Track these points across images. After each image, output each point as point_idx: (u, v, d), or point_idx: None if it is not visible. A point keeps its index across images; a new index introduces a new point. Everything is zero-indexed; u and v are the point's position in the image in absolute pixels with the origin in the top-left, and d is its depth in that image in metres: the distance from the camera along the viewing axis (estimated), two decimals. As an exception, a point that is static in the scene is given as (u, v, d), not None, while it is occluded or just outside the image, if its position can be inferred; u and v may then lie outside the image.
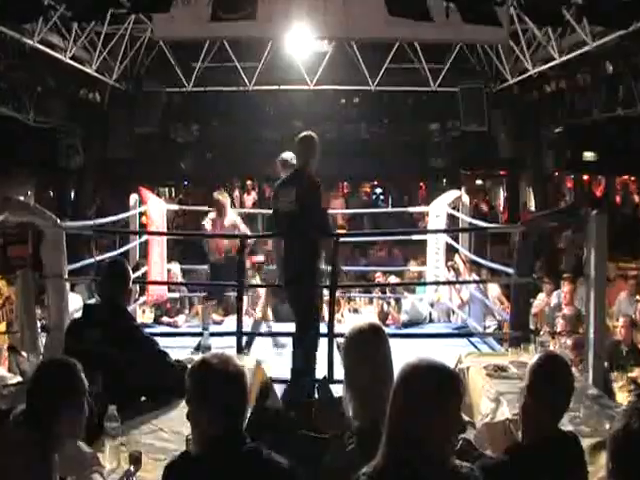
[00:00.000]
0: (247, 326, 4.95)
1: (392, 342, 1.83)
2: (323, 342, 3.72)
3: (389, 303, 6.04)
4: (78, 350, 2.15)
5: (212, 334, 3.53)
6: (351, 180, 13.74)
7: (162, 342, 2.51)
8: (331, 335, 3.66)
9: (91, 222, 5.30)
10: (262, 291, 5.04)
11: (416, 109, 11.19)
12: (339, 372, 1.89)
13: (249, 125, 11.86)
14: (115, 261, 2.68)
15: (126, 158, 10.26)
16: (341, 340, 2.04)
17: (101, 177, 10.94)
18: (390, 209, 11.76)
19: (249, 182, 11.98)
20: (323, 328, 3.87)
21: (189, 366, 1.64)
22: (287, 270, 3.62)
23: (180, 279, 6.10)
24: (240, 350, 3.64)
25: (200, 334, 3.42)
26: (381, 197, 13.91)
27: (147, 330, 2.52)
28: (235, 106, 11.25)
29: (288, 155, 4.10)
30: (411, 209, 7.59)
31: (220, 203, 4.84)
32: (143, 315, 5.86)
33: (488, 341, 4.78)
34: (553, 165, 10.09)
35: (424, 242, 6.15)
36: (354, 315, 6.44)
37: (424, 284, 6.17)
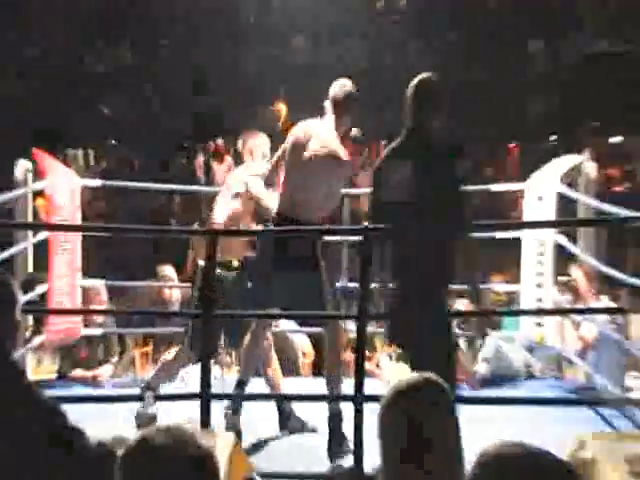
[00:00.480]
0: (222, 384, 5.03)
1: (462, 411, 1.85)
2: (346, 408, 3.79)
3: (456, 345, 6.06)
4: None
5: (159, 397, 3.56)
6: (390, 140, 13.81)
7: (73, 411, 2.54)
8: (359, 398, 3.70)
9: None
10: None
11: (504, 18, 11.25)
12: (373, 456, 1.92)
13: (219, 45, 11.98)
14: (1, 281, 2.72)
15: (6, 97, 10.40)
16: (377, 407, 2.06)
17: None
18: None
19: (219, 142, 12.08)
20: (346, 386, 3.93)
21: (119, 452, 1.67)
22: (398, 297, 3.74)
23: (105, 303, 6.17)
24: (206, 423, 3.69)
25: (139, 398, 3.44)
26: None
27: (48, 392, 2.55)
28: (195, 12, 11.42)
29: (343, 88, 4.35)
30: (495, 187, 7.60)
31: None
32: (39, 366, 5.93)
33: (631, 414, 4.80)
34: None
35: (516, 243, 6.18)
36: (397, 365, 6.48)
37: (517, 314, 6.18)
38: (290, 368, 6.25)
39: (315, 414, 4.64)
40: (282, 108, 13.74)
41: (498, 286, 6.98)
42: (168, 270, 6.82)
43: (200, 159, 11.60)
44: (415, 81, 3.93)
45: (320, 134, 4.30)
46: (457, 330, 6.02)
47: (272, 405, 4.56)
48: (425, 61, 12.52)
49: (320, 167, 4.20)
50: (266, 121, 13.55)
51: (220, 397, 4.10)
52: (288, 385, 5.37)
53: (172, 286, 6.70)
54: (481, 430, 3.31)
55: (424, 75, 3.93)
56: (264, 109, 13.46)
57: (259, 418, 4.63)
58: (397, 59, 12.58)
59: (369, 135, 13.49)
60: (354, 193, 7.89)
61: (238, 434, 3.89)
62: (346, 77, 4.52)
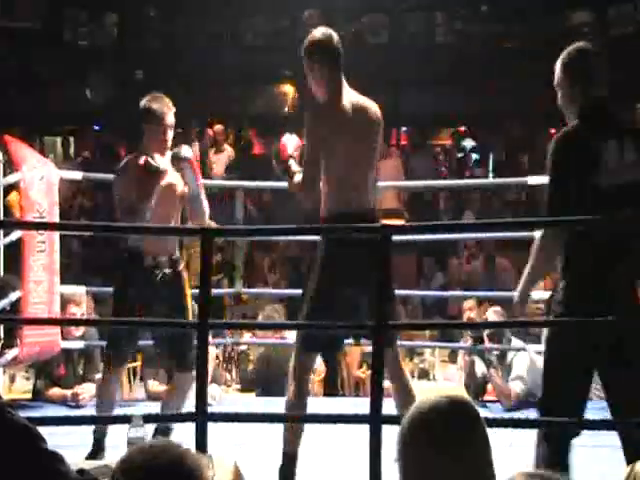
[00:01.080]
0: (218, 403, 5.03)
1: (494, 435, 1.85)
2: (361, 430, 3.79)
3: (489, 362, 6.07)
4: None
5: (148, 419, 3.56)
6: (415, 124, 13.82)
7: (51, 436, 2.55)
8: (378, 419, 3.71)
9: None
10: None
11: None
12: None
13: (216, 15, 11.99)
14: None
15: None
16: (396, 429, 2.06)
17: None
18: (492, 179, 11.78)
19: (218, 127, 12.08)
20: (362, 406, 3.95)
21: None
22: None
23: (87, 312, 6.19)
24: (202, 446, 3.71)
25: (125, 419, 3.45)
26: (474, 156, 13.92)
27: (22, 414, 2.55)
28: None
29: None
30: (533, 179, 7.57)
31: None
32: (12, 385, 5.95)
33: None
34: None
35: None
36: (422, 382, 6.48)
37: (559, 325, 6.17)
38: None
39: (326, 436, 4.65)
40: (289, 90, 13.73)
41: (537, 293, 6.95)
42: None
43: (195, 148, 11.60)
44: (576, 53, 3.82)
45: None
46: (488, 344, 6.02)
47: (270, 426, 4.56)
48: (452, 37, 12.56)
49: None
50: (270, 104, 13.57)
51: (218, 418, 4.10)
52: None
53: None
54: (516, 456, 3.31)
55: (582, 45, 3.84)
56: (268, 90, 13.47)
57: (257, 439, 4.65)
58: (419, 36, 12.60)
59: (385, 119, 13.56)
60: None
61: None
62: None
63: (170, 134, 4.76)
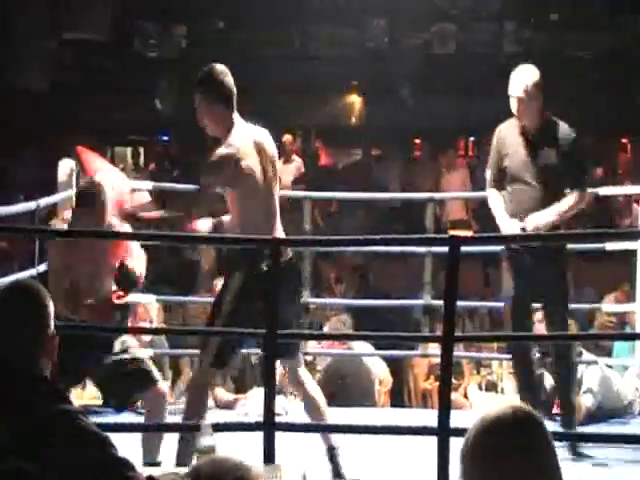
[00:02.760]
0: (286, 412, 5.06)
1: (561, 451, 1.83)
2: (428, 442, 3.78)
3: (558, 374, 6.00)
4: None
5: (217, 427, 3.59)
6: (482, 134, 13.71)
7: (122, 443, 2.59)
8: (445, 432, 3.70)
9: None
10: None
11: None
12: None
13: (283, 26, 12.06)
14: (20, 288, 2.76)
15: (47, 91, 10.63)
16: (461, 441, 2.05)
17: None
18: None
19: (287, 138, 12.12)
20: (429, 418, 3.95)
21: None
22: None
23: (156, 321, 6.27)
24: (270, 455, 3.72)
25: (194, 427, 3.49)
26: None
27: (94, 420, 2.59)
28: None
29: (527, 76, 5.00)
30: (604, 190, 7.49)
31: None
32: (84, 391, 6.02)
33: None
34: None
35: (630, 256, 6.11)
36: (489, 395, 6.43)
37: (632, 338, 6.10)
38: (364, 397, 6.26)
39: (393, 449, 4.64)
40: (355, 101, 13.72)
41: (607, 306, 6.87)
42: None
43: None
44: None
45: None
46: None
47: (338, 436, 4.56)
48: (521, 46, 12.46)
49: None
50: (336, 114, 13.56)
51: (286, 428, 4.12)
52: (361, 416, 5.38)
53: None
54: (584, 472, 3.27)
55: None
56: (335, 100, 13.49)
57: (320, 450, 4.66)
58: (488, 45, 12.53)
59: (453, 130, 13.54)
60: (439, 197, 7.84)
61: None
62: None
63: None
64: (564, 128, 5.05)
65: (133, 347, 4.65)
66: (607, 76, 11.65)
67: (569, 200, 4.94)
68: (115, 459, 2.49)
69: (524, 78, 5.01)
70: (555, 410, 5.89)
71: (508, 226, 4.90)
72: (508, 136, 5.05)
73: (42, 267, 5.39)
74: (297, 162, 11.86)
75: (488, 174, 5.14)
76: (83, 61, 12.09)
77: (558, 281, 5.10)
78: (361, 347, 6.43)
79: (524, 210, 4.90)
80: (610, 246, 6.17)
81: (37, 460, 2.37)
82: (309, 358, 6.97)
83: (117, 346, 4.54)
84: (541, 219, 4.86)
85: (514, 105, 5.00)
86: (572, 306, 7.25)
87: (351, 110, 13.85)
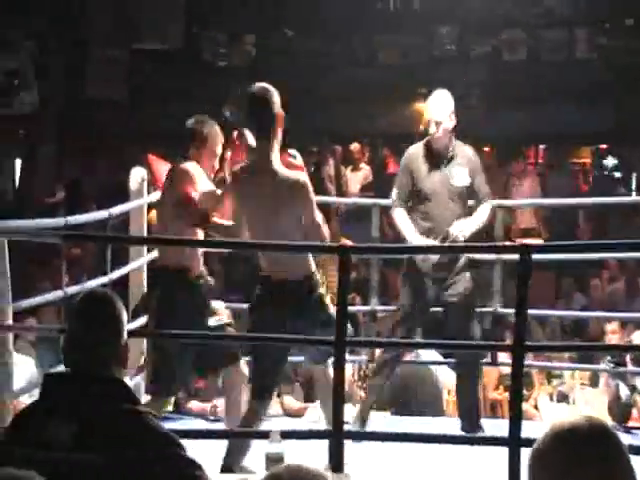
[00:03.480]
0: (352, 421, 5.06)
1: (637, 463, 1.80)
2: (499, 453, 3.74)
3: (634, 387, 5.91)
4: (36, 462, 2.26)
5: (286, 435, 3.60)
6: (553, 141, 13.58)
7: (190, 449, 2.61)
8: (516, 442, 3.66)
9: (57, 220, 5.55)
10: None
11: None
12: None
13: (352, 34, 12.08)
14: (96, 296, 2.79)
15: (120, 100, 10.78)
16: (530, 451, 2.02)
17: (73, 134, 11.55)
18: (635, 197, 11.49)
19: (355, 146, 12.14)
20: (499, 428, 3.89)
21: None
22: None
23: (227, 328, 6.28)
24: (338, 464, 3.72)
25: (263, 435, 3.49)
26: (616, 174, 13.59)
27: (165, 425, 2.62)
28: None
29: None
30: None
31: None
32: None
33: None
34: None
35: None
36: (560, 406, 6.35)
37: None
38: (432, 406, 6.22)
39: (463, 459, 4.61)
40: (423, 108, 13.67)
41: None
42: None
43: (330, 167, 11.67)
44: None
45: None
46: (631, 365, 5.86)
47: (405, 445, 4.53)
48: (594, 52, 12.30)
49: None
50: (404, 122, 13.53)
51: (354, 437, 4.12)
52: (430, 426, 5.35)
53: None
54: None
55: None
56: (402, 108, 13.46)
57: (393, 458, 4.64)
58: (559, 52, 12.39)
59: (523, 137, 13.42)
60: (508, 204, 7.77)
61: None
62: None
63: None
64: (467, 148, 5.40)
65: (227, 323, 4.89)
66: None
67: (485, 211, 5.33)
68: (184, 458, 2.53)
69: (447, 103, 5.30)
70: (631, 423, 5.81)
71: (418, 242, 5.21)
72: (418, 158, 5.32)
73: (114, 275, 5.47)
74: (365, 170, 11.87)
75: (394, 194, 5.36)
76: (153, 71, 12.26)
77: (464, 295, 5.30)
78: (428, 355, 6.40)
79: (439, 228, 5.20)
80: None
81: (105, 456, 2.41)
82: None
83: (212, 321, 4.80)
84: (465, 227, 5.17)
85: (432, 128, 5.26)
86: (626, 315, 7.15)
87: (418, 118, 13.81)
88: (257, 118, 4.48)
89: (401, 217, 5.31)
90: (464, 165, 5.33)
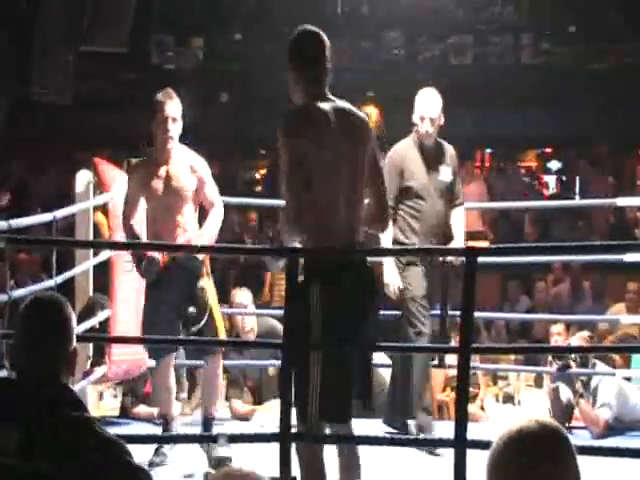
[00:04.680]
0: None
1: (583, 463, 1.82)
2: (446, 455, 3.75)
3: (577, 388, 5.97)
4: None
5: (233, 438, 3.59)
6: (499, 146, 13.71)
7: (138, 454, 2.59)
8: (462, 443, 3.69)
9: (0, 224, 5.53)
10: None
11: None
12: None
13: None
14: (45, 300, 2.77)
15: (66, 103, 10.67)
16: (480, 454, 2.04)
17: (19, 137, 11.41)
18: (578, 201, 11.63)
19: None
20: (447, 430, 3.93)
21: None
22: None
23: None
24: (286, 469, 3.70)
25: (211, 438, 3.49)
26: (560, 178, 13.75)
27: (111, 430, 2.60)
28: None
29: None
30: (622, 201, 7.47)
31: None
32: (99, 402, 6.04)
33: None
34: None
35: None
36: (506, 407, 6.40)
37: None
38: (379, 408, 6.23)
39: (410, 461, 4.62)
40: (372, 112, 13.71)
41: (626, 318, 6.84)
42: (242, 295, 6.67)
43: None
44: None
45: None
46: (575, 367, 5.93)
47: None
48: (538, 58, 12.43)
49: None
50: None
51: (302, 439, 4.10)
52: (379, 427, 5.36)
53: (247, 313, 6.56)
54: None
55: None
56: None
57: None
58: (505, 57, 12.51)
59: (470, 141, 13.51)
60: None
61: None
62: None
63: (171, 125, 4.80)
64: (450, 147, 5.41)
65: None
66: (624, 89, 11.63)
67: (463, 216, 5.46)
68: (132, 466, 2.50)
69: (437, 100, 5.28)
70: (573, 423, 5.87)
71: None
72: (408, 155, 5.28)
73: (60, 279, 5.42)
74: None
75: None
76: (100, 74, 12.15)
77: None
78: (376, 358, 6.40)
79: (429, 225, 5.21)
80: (630, 257, 6.14)
81: (52, 464, 2.38)
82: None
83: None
84: (459, 241, 5.28)
85: (425, 124, 5.23)
86: (594, 317, 7.25)
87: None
88: None
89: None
90: (449, 163, 5.37)
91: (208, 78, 12.63)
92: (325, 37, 3.85)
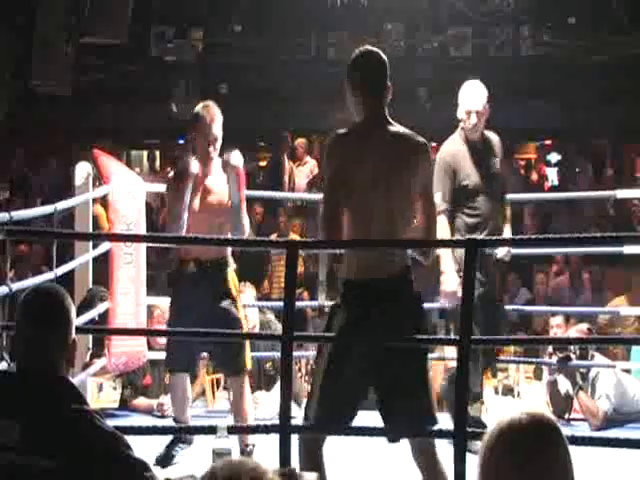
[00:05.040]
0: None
1: (578, 454, 1.82)
2: (443, 445, 3.78)
3: (576, 380, 5.98)
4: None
5: (232, 429, 3.58)
6: (500, 138, 13.68)
7: (138, 445, 2.59)
8: (462, 435, 3.69)
9: (1, 215, 5.52)
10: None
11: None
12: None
13: (300, 31, 12.05)
14: (45, 291, 2.76)
15: (66, 95, 10.66)
16: (478, 445, 2.04)
17: (18, 129, 11.39)
18: (579, 193, 11.60)
19: (300, 141, 12.10)
20: (445, 422, 3.94)
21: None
22: None
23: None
24: (286, 460, 3.71)
25: (210, 430, 3.48)
26: (560, 170, 13.74)
27: (110, 422, 2.59)
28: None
29: None
30: (622, 192, 7.46)
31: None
32: (99, 394, 6.04)
33: None
34: None
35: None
36: (505, 399, 6.40)
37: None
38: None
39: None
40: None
41: (625, 310, 6.84)
42: (246, 295, 6.59)
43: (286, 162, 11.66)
44: None
45: None
46: (575, 359, 5.94)
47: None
48: (538, 49, 12.41)
49: None
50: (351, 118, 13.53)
51: (302, 430, 4.10)
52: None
53: (247, 305, 6.52)
54: (599, 476, 3.25)
55: None
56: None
57: (344, 453, 4.64)
58: (505, 49, 12.49)
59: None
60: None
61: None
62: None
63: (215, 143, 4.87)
64: (494, 135, 5.32)
65: None
66: (626, 82, 11.63)
67: (508, 206, 5.47)
68: (132, 459, 2.50)
69: (481, 92, 5.25)
70: (572, 414, 5.87)
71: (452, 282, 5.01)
72: (459, 153, 5.14)
73: (60, 271, 5.42)
74: (310, 164, 11.84)
75: (439, 197, 4.77)
76: (100, 65, 12.15)
77: None
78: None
79: (486, 221, 5.11)
80: (629, 249, 6.15)
81: (52, 457, 2.38)
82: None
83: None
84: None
85: (472, 119, 5.14)
86: (585, 309, 7.26)
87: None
88: None
89: (444, 228, 4.80)
90: (497, 153, 5.29)
91: (208, 70, 12.62)
92: (385, 58, 3.92)
